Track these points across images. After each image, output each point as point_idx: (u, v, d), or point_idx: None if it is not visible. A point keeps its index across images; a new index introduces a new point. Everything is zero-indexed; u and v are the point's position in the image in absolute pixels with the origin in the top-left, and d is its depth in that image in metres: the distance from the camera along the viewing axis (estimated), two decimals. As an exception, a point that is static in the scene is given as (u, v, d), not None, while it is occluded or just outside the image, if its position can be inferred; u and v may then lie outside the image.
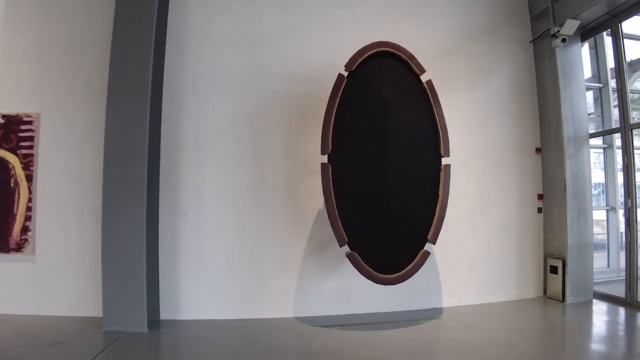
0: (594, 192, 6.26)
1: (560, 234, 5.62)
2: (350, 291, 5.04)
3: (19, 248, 4.86)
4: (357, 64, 4.42)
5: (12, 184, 4.90)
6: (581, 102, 5.73)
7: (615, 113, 6.12)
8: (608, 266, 6.67)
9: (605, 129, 6.45)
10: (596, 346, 4.19)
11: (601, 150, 6.83)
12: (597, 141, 6.61)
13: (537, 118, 5.99)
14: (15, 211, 4.88)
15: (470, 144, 5.57)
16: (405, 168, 4.55)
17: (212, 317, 4.85)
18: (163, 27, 5.04)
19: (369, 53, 4.47)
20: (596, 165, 6.88)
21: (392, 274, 4.37)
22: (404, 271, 4.38)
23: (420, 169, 4.60)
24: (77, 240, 4.85)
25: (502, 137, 5.79)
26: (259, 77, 5.15)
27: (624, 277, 5.39)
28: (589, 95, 6.64)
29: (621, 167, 6.69)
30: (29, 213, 4.88)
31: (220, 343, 4.20)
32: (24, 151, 4.93)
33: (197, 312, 4.87)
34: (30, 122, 4.95)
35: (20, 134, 4.93)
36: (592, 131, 6.00)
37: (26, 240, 4.86)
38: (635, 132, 5.42)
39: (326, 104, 4.41)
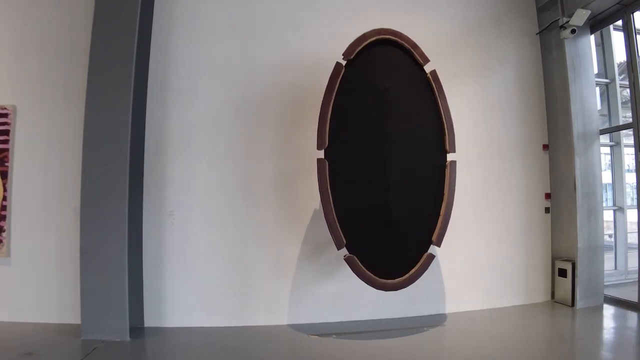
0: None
1: (569, 235, 5.42)
2: (348, 297, 4.87)
3: (-8, 250, 4.64)
4: (356, 52, 4.22)
5: (-16, 181, 4.68)
6: (591, 97, 5.51)
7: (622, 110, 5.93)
8: (615, 268, 6.47)
9: (613, 125, 6.22)
10: (614, 356, 3.90)
11: (608, 149, 6.62)
12: (604, 139, 6.39)
13: (545, 113, 5.81)
14: (-12, 210, 4.66)
15: (474, 140, 5.37)
16: (407, 164, 4.35)
17: (199, 324, 4.68)
18: (148, 16, 4.85)
19: (368, 41, 4.25)
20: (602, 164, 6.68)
21: (393, 278, 4.17)
22: (406, 276, 4.18)
23: (423, 165, 4.41)
24: (55, 242, 4.69)
25: (507, 133, 5.61)
26: (250, 68, 4.96)
27: (637, 280, 5.17)
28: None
29: (629, 166, 6.56)
30: (3, 212, 4.68)
31: (208, 353, 4.01)
32: (-2, 146, 4.70)
33: (184, 319, 4.69)
34: (5, 115, 4.73)
35: (-6, 128, 4.71)
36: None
37: (0, 241, 4.64)
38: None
39: (322, 96, 4.21)
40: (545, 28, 5.70)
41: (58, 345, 3.98)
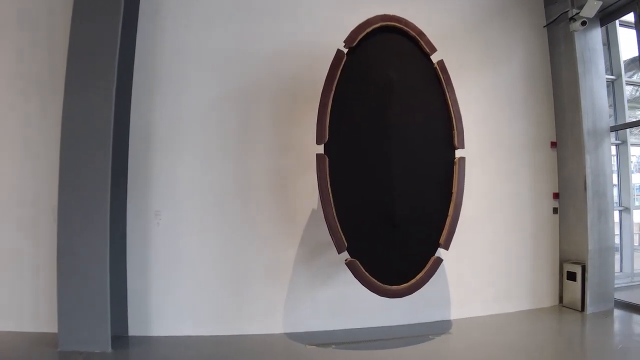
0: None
1: (578, 237, 5.25)
2: (348, 303, 4.67)
3: (-39, 254, 4.35)
4: (358, 39, 3.96)
5: (-48, 178, 4.39)
6: (601, 92, 5.33)
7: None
8: (621, 270, 6.32)
9: (618, 123, 6.03)
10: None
11: (613, 148, 6.42)
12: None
13: (552, 109, 5.65)
14: (-44, 210, 4.37)
15: (478, 137, 5.16)
16: (413, 160, 4.14)
17: (188, 333, 4.47)
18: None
19: (372, 27, 4.01)
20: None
21: (398, 284, 3.93)
22: (412, 282, 3.95)
23: (430, 161, 4.20)
24: (31, 245, 4.41)
25: (513, 130, 5.45)
26: (244, 57, 4.71)
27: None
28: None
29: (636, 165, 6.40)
30: (-27, 212, 4.35)
31: (197, 365, 3.73)
32: (-34, 139, 4.40)
33: (172, 327, 4.48)
34: (-24, 106, 4.39)
35: (-38, 119, 4.41)
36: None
37: (-29, 244, 4.35)
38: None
39: (322, 86, 3.97)
40: (554, 20, 5.52)
41: (32, 357, 3.73)
